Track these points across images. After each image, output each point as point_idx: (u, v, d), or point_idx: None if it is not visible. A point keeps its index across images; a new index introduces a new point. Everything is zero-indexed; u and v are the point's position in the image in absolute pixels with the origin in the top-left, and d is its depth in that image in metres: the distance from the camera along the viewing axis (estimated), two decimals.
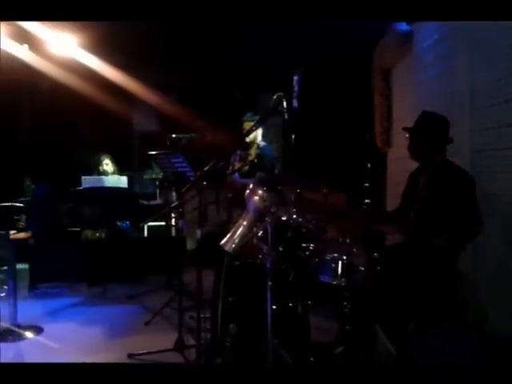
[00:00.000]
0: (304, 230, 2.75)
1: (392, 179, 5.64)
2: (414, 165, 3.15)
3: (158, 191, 6.35)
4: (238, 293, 2.77)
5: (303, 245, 2.74)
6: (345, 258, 2.61)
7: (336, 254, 2.63)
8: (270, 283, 2.39)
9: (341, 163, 5.57)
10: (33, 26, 5.04)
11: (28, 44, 5.52)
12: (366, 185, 3.22)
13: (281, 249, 2.68)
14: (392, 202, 5.42)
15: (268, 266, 2.42)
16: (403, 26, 4.90)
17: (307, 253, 2.74)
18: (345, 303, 2.63)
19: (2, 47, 5.32)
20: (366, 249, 2.69)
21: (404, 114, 5.17)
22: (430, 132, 2.91)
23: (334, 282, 2.59)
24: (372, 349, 2.63)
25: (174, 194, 5.05)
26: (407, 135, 3.02)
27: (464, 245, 2.83)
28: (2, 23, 4.94)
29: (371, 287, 2.65)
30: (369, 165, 4.82)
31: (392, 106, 5.69)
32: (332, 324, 2.77)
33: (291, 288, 2.72)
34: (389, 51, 5.39)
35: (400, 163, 5.10)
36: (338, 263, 2.59)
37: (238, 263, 2.83)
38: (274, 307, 2.40)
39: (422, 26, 4.62)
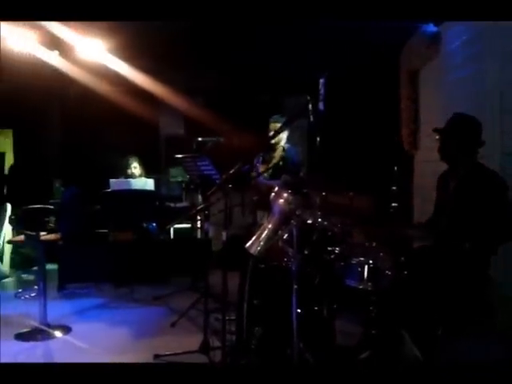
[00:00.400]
0: (329, 233, 2.75)
1: (419, 182, 5.55)
2: (442, 168, 3.09)
3: (183, 194, 6.41)
4: (263, 295, 2.78)
5: (329, 248, 2.73)
6: (371, 262, 2.59)
7: (362, 258, 2.62)
8: (295, 286, 2.39)
9: (367, 166, 5.52)
10: (62, 32, 5.15)
11: (58, 50, 5.64)
12: (394, 188, 3.18)
13: (306, 252, 2.68)
14: (419, 206, 5.35)
15: (293, 269, 2.42)
16: (431, 28, 4.83)
17: (333, 256, 2.72)
18: (371, 308, 2.61)
19: (34, 53, 5.46)
20: (392, 253, 2.66)
21: (432, 116, 5.09)
22: (462, 134, 2.86)
23: (360, 287, 2.58)
24: (398, 354, 2.59)
25: (199, 196, 5.09)
26: (438, 137, 2.97)
27: (495, 248, 2.76)
28: (34, 30, 5.07)
29: (398, 292, 2.62)
30: (395, 168, 4.76)
31: (419, 109, 5.61)
32: (358, 328, 2.74)
33: (317, 292, 2.71)
34: (416, 53, 5.32)
35: (427, 166, 5.02)
36: (364, 267, 2.57)
37: (263, 266, 2.83)
38: (299, 311, 2.40)
39: (450, 27, 4.55)
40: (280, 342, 2.58)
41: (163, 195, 6.41)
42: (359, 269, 2.59)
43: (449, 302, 2.59)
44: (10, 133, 7.24)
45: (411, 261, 2.70)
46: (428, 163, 4.94)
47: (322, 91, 2.57)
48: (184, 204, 6.01)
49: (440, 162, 3.06)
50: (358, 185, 3.05)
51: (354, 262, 2.62)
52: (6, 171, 6.57)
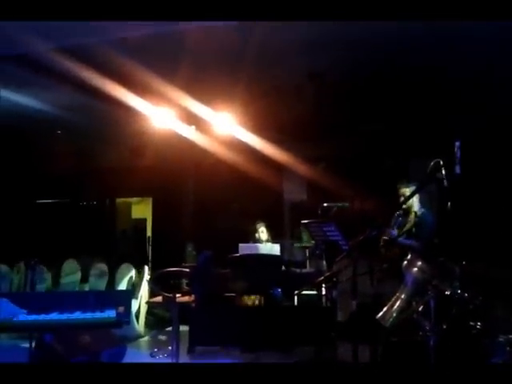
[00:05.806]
0: (471, 306, 2.53)
1: None
2: None
3: (307, 259, 6.39)
4: (396, 372, 2.60)
5: (471, 323, 2.51)
6: None
7: (510, 335, 2.36)
8: (433, 363, 2.21)
9: (507, 231, 5.06)
10: (199, 108, 5.64)
11: (195, 125, 6.18)
12: None
13: (444, 326, 2.48)
14: None
15: (431, 344, 2.25)
16: None
17: (475, 332, 2.49)
18: None
19: (174, 129, 6.05)
20: None
21: None
22: None
23: None
24: None
25: (324, 262, 5.03)
26: None
27: None
28: (174, 108, 5.63)
29: None
30: None
31: None
32: None
33: (458, 370, 2.47)
34: None
35: None
36: None
37: (396, 339, 2.67)
38: None
39: None
40: None
41: (287, 260, 6.45)
42: (508, 348, 2.34)
43: None
44: (149, 201, 7.97)
45: None
46: None
47: (457, 154, 2.47)
48: (308, 270, 5.97)
49: None
50: (500, 252, 2.80)
51: (500, 339, 2.39)
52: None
